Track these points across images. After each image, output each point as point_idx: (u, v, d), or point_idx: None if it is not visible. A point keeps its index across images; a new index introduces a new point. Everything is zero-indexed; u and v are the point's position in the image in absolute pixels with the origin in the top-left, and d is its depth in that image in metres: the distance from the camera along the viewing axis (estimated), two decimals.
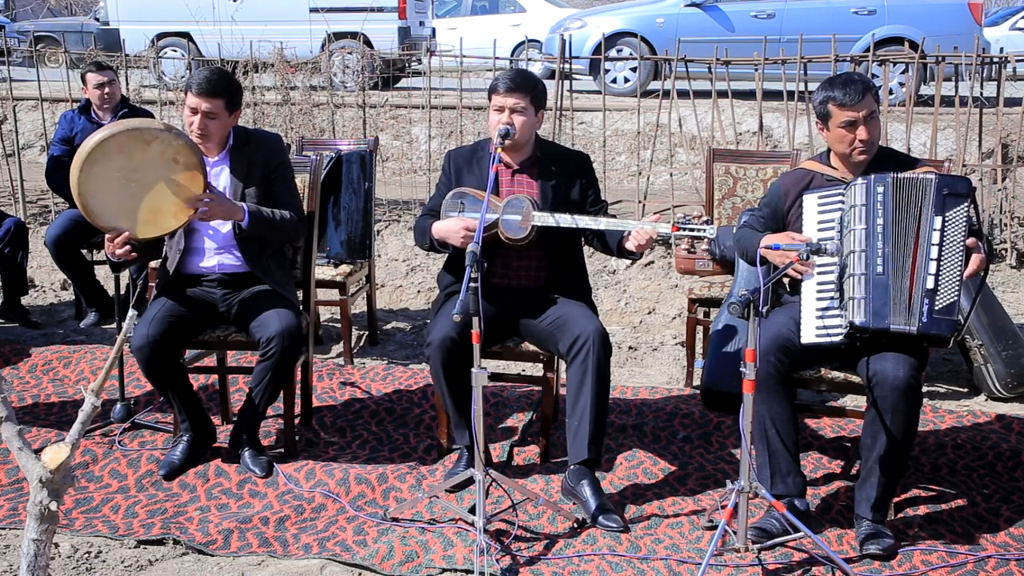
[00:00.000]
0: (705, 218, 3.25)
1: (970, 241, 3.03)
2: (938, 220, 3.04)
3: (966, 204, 3.04)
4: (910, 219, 3.08)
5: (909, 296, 3.03)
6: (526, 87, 3.47)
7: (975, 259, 3.04)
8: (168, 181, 3.40)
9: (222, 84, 3.58)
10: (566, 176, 3.58)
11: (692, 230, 3.22)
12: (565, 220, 3.39)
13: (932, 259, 3.03)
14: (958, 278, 3.02)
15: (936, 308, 3.01)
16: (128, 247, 3.45)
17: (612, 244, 3.48)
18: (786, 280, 3.45)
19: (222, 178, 3.68)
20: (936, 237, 3.04)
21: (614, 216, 3.64)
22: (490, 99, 3.52)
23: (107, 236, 3.44)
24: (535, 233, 3.42)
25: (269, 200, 3.69)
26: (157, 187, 3.40)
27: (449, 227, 3.45)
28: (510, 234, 3.42)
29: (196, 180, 3.44)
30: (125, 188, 3.38)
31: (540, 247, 3.53)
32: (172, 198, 3.42)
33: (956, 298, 3.01)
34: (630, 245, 3.35)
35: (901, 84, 9.20)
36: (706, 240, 3.25)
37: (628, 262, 6.10)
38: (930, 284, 3.02)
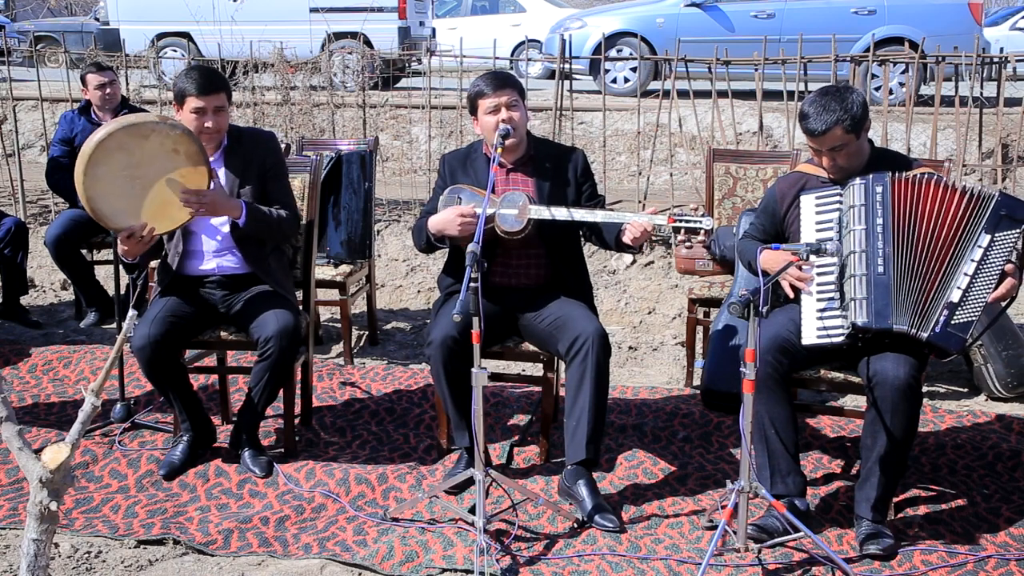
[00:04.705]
0: (702, 212, 3.23)
1: (1008, 267, 2.96)
2: (985, 237, 2.97)
3: (1019, 231, 2.96)
4: (949, 224, 3.00)
5: (926, 300, 3.00)
6: (512, 82, 3.50)
7: (1006, 283, 2.97)
8: (173, 173, 3.39)
9: (218, 77, 3.66)
10: (561, 172, 3.58)
11: (688, 222, 3.20)
12: (561, 213, 3.39)
13: (966, 274, 2.97)
14: (984, 299, 2.96)
15: (953, 322, 2.97)
16: (156, 233, 3.45)
17: (609, 238, 3.47)
18: (786, 288, 3.41)
19: (219, 177, 3.67)
20: (978, 253, 2.97)
21: (612, 210, 3.63)
22: (476, 104, 3.48)
23: (120, 237, 3.42)
24: (532, 227, 3.41)
25: (264, 198, 3.69)
26: (163, 180, 3.39)
27: (444, 217, 3.43)
28: (506, 227, 3.41)
29: (200, 168, 3.42)
30: (131, 186, 3.36)
31: (540, 245, 3.53)
32: (179, 189, 3.41)
33: (975, 319, 2.96)
34: (626, 238, 3.34)
35: (901, 84, 9.21)
36: (703, 232, 3.20)
37: (628, 262, 6.10)
38: (955, 297, 2.97)
